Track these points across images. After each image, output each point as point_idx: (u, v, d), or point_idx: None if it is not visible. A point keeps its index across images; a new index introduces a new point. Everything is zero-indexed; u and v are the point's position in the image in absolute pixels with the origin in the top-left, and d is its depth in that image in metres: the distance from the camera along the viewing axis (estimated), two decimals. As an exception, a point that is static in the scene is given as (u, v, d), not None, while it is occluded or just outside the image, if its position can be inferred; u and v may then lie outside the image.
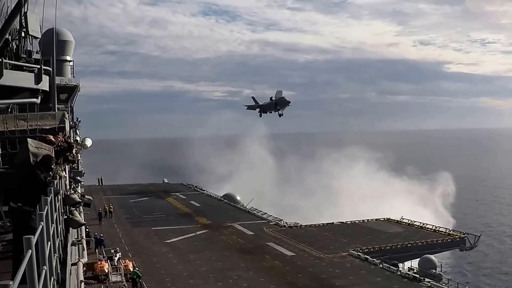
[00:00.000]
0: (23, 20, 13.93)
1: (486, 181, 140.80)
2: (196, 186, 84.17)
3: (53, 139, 13.36)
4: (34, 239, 5.05)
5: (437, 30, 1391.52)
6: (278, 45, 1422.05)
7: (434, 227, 48.21)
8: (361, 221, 52.58)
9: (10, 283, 3.86)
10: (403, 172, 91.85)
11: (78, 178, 33.53)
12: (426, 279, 32.69)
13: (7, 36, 14.04)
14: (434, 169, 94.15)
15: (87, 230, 43.48)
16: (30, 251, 4.75)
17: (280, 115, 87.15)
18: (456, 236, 45.94)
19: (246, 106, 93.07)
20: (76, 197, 16.04)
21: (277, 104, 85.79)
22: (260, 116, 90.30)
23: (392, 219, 52.68)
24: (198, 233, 47.63)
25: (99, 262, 33.11)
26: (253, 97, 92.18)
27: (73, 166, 29.72)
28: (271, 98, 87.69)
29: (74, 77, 45.71)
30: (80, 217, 15.80)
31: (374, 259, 36.67)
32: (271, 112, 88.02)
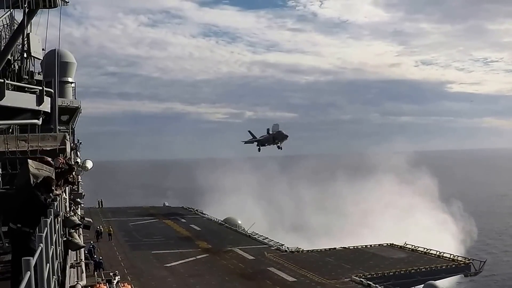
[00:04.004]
0: (25, 42, 13.97)
1: (492, 204, 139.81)
2: (196, 210, 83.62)
3: (51, 161, 13.25)
4: (33, 261, 4.90)
5: (439, 50, 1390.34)
6: (279, 66, 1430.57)
7: (438, 252, 47.46)
8: (364, 246, 51.95)
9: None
10: (407, 194, 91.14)
11: (78, 200, 33.33)
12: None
13: (9, 57, 14.06)
14: (440, 191, 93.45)
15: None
16: (29, 273, 4.60)
17: (279, 147, 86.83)
18: (461, 262, 45.27)
19: (243, 141, 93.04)
20: (75, 219, 15.85)
21: (275, 138, 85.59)
22: (259, 151, 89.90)
23: (395, 245, 52.04)
24: (198, 257, 47.04)
25: (98, 285, 32.59)
26: (249, 131, 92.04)
27: (73, 188, 29.56)
28: (268, 131, 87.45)
29: (75, 98, 45.84)
30: (79, 239, 15.58)
31: (377, 285, 36.01)
32: (269, 145, 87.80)
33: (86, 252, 39.19)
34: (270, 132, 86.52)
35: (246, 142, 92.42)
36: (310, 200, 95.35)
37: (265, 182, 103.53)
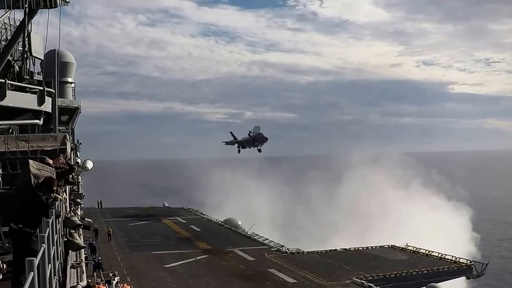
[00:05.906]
0: (26, 41, 13.87)
1: (494, 207, 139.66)
2: (196, 210, 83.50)
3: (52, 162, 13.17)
4: (36, 261, 4.83)
5: (440, 50, 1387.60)
6: (279, 66, 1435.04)
7: (440, 254, 47.34)
8: (365, 248, 51.79)
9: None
10: (406, 195, 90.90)
11: (78, 200, 33.24)
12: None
13: (9, 57, 13.96)
14: (439, 192, 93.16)
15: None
16: (32, 273, 4.53)
17: (259, 150, 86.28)
18: (463, 264, 45.22)
19: (224, 142, 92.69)
20: (76, 219, 15.78)
21: (255, 140, 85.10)
22: (239, 152, 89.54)
23: (396, 246, 51.90)
24: (198, 258, 46.93)
25: (97, 286, 32.47)
26: (231, 132, 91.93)
27: (73, 188, 29.48)
28: (249, 133, 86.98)
29: (75, 98, 45.86)
30: (80, 239, 15.51)
31: (378, 287, 35.95)
32: (250, 147, 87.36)
33: (85, 252, 39.22)
34: (252, 134, 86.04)
35: (227, 143, 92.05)
36: (312, 201, 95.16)
37: (266, 183, 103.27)
